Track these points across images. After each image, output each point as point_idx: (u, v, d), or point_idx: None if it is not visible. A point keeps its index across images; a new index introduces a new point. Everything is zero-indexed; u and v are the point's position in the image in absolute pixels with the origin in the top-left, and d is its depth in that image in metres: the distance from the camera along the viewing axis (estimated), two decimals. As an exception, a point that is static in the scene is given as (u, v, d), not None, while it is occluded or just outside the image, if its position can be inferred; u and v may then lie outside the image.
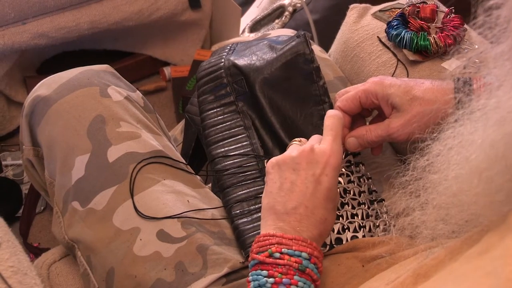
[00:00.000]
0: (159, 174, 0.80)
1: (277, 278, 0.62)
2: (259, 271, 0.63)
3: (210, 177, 0.90)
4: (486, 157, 0.48)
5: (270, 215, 0.67)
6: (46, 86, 0.85)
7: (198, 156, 0.95)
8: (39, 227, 1.35)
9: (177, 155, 0.85)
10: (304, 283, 0.62)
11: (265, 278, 0.62)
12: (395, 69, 0.97)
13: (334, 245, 0.76)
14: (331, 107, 0.85)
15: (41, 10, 1.32)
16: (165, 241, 0.74)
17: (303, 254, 0.63)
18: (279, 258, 0.63)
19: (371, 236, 0.77)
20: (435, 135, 0.61)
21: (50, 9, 1.33)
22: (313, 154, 0.68)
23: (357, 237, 0.77)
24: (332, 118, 0.72)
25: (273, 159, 0.70)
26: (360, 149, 0.80)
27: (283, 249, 0.63)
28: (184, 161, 0.85)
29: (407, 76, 0.96)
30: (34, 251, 1.28)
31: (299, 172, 0.67)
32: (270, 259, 0.63)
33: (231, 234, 0.79)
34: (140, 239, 0.74)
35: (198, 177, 0.85)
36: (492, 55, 0.50)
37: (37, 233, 1.35)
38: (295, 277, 0.62)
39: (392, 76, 0.97)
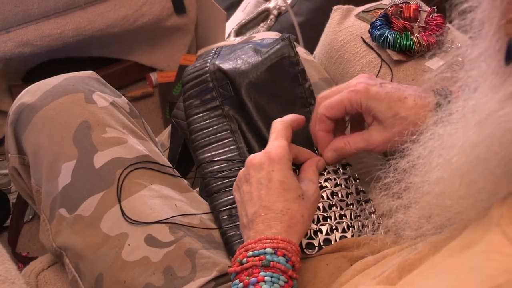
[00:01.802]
0: (146, 179, 0.79)
1: (245, 281, 0.63)
2: (235, 281, 0.64)
3: (197, 181, 0.90)
4: (467, 160, 0.48)
5: (243, 230, 0.71)
6: (31, 93, 0.85)
7: (185, 161, 0.95)
8: (27, 236, 1.35)
9: (164, 160, 0.85)
10: (272, 277, 0.63)
11: (237, 286, 0.64)
12: (379, 69, 0.98)
13: (323, 246, 0.76)
14: None
15: (25, 18, 1.31)
16: (153, 246, 0.74)
17: (267, 250, 0.64)
18: (246, 263, 0.64)
19: (359, 235, 0.77)
20: (414, 137, 0.61)
21: (34, 17, 1.32)
22: (256, 159, 0.71)
23: (346, 237, 0.77)
24: (274, 123, 0.75)
25: (234, 184, 0.74)
26: (339, 161, 0.80)
27: (248, 253, 0.65)
28: (171, 166, 0.85)
29: (392, 76, 0.96)
30: (23, 261, 1.27)
31: (251, 181, 0.70)
32: (240, 267, 0.65)
33: (220, 237, 0.79)
34: (129, 245, 0.74)
35: (185, 181, 0.85)
36: (468, 57, 0.51)
37: (26, 242, 1.34)
38: (261, 273, 0.63)
39: (377, 76, 0.97)
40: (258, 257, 0.64)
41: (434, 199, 0.55)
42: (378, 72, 0.97)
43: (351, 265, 0.71)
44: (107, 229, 0.75)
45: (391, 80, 0.96)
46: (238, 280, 0.64)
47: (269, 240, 0.65)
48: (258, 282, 0.62)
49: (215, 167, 0.83)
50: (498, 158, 0.45)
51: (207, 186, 0.82)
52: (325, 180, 0.79)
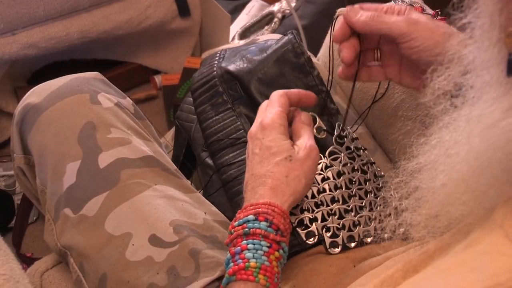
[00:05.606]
0: (151, 179, 0.80)
1: (231, 251, 0.64)
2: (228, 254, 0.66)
3: (203, 181, 0.90)
4: (471, 169, 0.48)
5: None
6: (36, 94, 0.85)
7: (189, 162, 0.95)
8: (32, 237, 1.35)
9: (168, 161, 0.86)
10: (253, 243, 0.63)
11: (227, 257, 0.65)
12: (383, 71, 0.98)
13: (347, 244, 0.74)
14: (329, 96, 0.86)
15: (31, 21, 1.32)
16: (157, 245, 0.74)
17: (249, 217, 0.65)
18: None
19: (382, 227, 0.75)
20: (422, 140, 0.62)
21: (40, 19, 1.33)
22: (251, 132, 0.73)
23: (369, 231, 0.75)
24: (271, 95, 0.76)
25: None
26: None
27: (234, 224, 0.66)
28: (175, 167, 0.85)
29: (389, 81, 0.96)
30: (27, 261, 1.27)
31: (248, 153, 0.73)
32: (229, 238, 0.66)
33: (224, 237, 0.79)
34: (132, 244, 0.74)
35: (189, 182, 0.86)
36: (472, 65, 0.51)
37: (30, 243, 1.35)
38: (243, 242, 0.64)
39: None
40: (241, 226, 0.65)
41: (440, 202, 0.55)
42: (382, 75, 0.97)
43: (354, 266, 0.71)
44: (111, 229, 0.75)
45: (388, 85, 0.97)
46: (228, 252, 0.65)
47: (252, 207, 0.66)
48: (242, 251, 0.63)
49: (233, 170, 0.83)
50: (502, 166, 0.45)
51: (229, 190, 0.82)
52: (343, 165, 0.78)
